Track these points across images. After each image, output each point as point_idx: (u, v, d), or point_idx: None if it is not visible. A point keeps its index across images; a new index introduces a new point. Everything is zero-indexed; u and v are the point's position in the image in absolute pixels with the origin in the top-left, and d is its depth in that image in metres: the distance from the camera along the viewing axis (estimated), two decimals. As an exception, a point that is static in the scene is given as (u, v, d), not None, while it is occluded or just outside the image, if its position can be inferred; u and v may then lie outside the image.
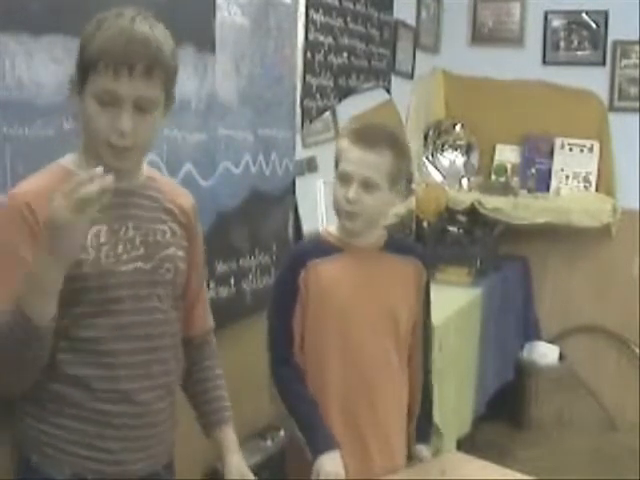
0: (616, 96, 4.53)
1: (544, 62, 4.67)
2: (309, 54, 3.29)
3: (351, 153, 1.99)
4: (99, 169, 1.39)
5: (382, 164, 1.98)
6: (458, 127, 4.78)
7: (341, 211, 2.03)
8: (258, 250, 2.96)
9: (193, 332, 1.86)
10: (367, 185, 1.98)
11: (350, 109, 3.65)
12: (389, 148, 1.99)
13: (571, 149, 4.61)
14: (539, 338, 4.59)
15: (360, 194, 1.98)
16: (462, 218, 4.32)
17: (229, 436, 1.85)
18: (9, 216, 1.55)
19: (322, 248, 2.08)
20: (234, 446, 1.85)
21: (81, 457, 1.62)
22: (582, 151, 4.59)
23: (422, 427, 2.20)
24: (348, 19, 3.61)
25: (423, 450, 2.18)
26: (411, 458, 2.17)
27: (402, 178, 2.04)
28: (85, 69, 1.55)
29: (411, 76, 4.45)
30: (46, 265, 1.42)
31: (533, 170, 4.68)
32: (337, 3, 3.50)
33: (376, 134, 2.03)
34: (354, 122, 2.48)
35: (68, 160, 1.66)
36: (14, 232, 1.53)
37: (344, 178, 2.01)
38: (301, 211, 3.29)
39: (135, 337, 1.64)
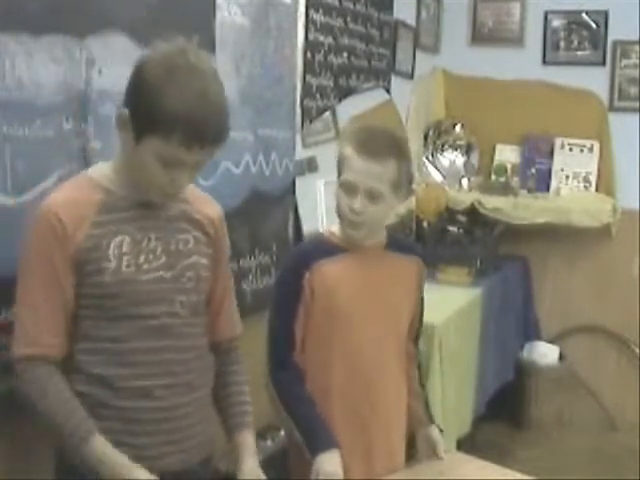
0: (616, 96, 4.52)
1: (544, 62, 4.67)
2: (309, 54, 3.29)
3: (355, 163, 1.97)
4: None
5: (386, 173, 1.96)
6: (458, 127, 4.77)
7: (345, 220, 2.02)
8: (258, 250, 2.96)
9: (218, 338, 1.90)
10: (372, 196, 1.96)
11: (350, 109, 3.65)
12: (393, 156, 1.97)
13: (571, 149, 4.61)
14: (539, 338, 4.59)
15: (366, 205, 1.97)
16: (462, 218, 4.32)
17: (247, 440, 1.86)
18: (41, 226, 1.62)
19: (325, 249, 2.08)
20: (251, 450, 1.86)
21: None
22: (582, 151, 4.59)
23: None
24: (348, 19, 3.61)
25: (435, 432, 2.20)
26: (409, 458, 2.17)
27: (404, 181, 2.02)
28: (152, 125, 1.55)
29: (411, 76, 4.45)
30: None
31: (533, 170, 4.67)
32: (337, 3, 3.50)
33: (380, 143, 1.99)
34: (356, 125, 2.47)
35: (97, 172, 1.71)
36: (47, 242, 1.61)
37: (349, 188, 1.99)
38: (301, 211, 3.28)
39: (155, 337, 1.68)
